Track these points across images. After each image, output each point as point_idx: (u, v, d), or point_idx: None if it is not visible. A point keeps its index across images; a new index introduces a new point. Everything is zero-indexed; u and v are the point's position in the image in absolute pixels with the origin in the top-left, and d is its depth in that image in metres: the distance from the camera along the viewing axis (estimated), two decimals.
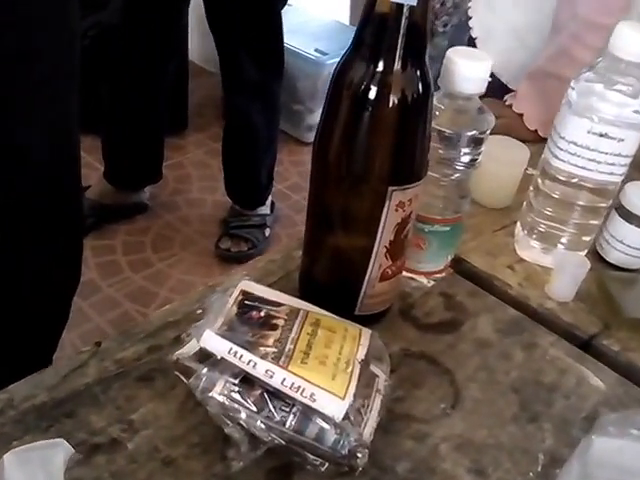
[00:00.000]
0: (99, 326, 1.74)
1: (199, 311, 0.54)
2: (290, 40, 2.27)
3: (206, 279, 1.92)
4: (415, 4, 0.47)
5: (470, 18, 1.06)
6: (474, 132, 0.58)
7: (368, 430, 0.50)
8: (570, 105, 0.64)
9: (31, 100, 0.89)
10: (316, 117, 2.49)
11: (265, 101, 1.93)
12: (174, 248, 2.02)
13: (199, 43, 2.62)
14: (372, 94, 0.50)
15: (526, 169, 0.79)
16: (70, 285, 1.11)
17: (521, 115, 0.93)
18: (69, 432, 0.52)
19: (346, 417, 0.48)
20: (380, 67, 0.50)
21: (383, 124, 0.52)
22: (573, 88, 0.64)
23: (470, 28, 1.06)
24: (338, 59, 0.52)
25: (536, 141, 0.88)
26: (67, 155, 1.00)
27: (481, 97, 0.96)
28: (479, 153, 0.60)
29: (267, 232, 2.08)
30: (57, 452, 0.45)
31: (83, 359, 0.58)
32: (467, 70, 0.56)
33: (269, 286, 0.57)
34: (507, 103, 0.96)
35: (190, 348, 0.53)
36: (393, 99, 0.50)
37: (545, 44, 0.93)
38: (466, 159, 0.59)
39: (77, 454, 0.51)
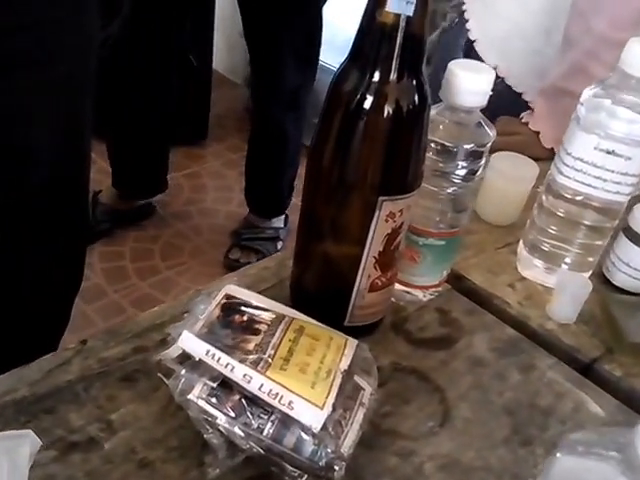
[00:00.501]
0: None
1: (185, 314, 0.53)
2: None
3: None
4: (412, 14, 0.46)
5: (466, 21, 1.05)
6: (472, 145, 0.56)
7: (348, 443, 0.48)
8: (578, 120, 0.62)
9: (43, 102, 0.88)
10: None
11: (298, 110, 1.92)
12: (183, 257, 2.02)
13: (225, 53, 2.64)
14: (364, 103, 0.49)
15: (537, 187, 0.78)
16: (71, 286, 1.10)
17: (537, 133, 0.92)
18: (47, 428, 0.51)
19: (324, 427, 0.46)
20: (374, 76, 0.49)
21: (374, 133, 0.51)
22: (582, 103, 0.63)
23: (467, 30, 1.04)
24: None
25: (551, 159, 0.87)
26: (77, 158, 0.99)
27: (498, 115, 0.95)
28: (478, 167, 0.58)
29: (279, 245, 2.06)
30: (23, 443, 0.44)
31: (67, 356, 0.57)
32: (468, 83, 0.55)
33: (260, 293, 0.56)
34: (523, 120, 0.95)
35: (174, 350, 0.51)
36: (386, 109, 0.49)
37: (557, 55, 0.91)
38: (464, 173, 0.58)
39: (53, 450, 0.50)
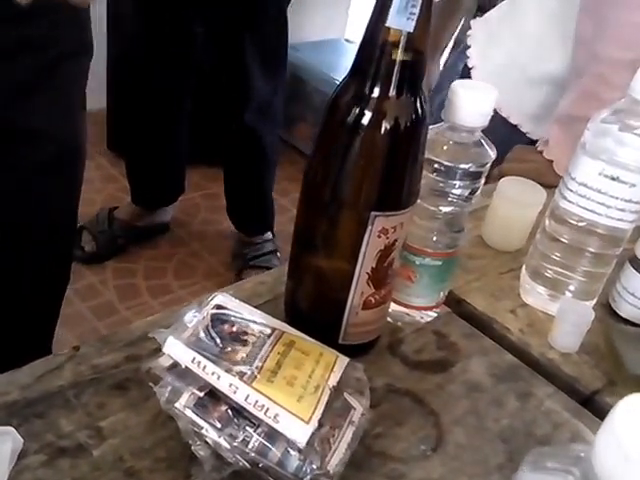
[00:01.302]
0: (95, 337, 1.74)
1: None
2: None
3: None
4: (412, 30, 0.46)
5: (468, 47, 1.05)
6: (471, 165, 0.56)
7: (335, 461, 0.48)
8: (584, 146, 0.62)
9: (39, 86, 0.89)
10: None
11: (273, 119, 1.94)
12: (196, 277, 2.02)
13: None
14: (359, 118, 0.49)
15: (544, 213, 0.77)
16: (61, 282, 1.11)
17: (551, 161, 0.91)
18: (37, 433, 0.51)
19: (310, 443, 0.46)
20: (373, 92, 0.49)
21: (369, 148, 0.51)
22: (589, 129, 0.62)
23: (467, 57, 1.04)
24: None
25: None
26: (72, 152, 1.00)
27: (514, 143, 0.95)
28: (477, 188, 0.58)
29: (279, 255, 2.08)
30: (5, 440, 0.44)
31: (59, 361, 0.57)
32: (470, 103, 0.55)
33: (256, 308, 0.56)
34: (539, 149, 0.95)
35: (165, 360, 0.51)
36: (381, 125, 0.49)
37: (556, 84, 0.92)
38: (462, 192, 0.57)
39: (42, 455, 0.50)
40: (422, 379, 0.60)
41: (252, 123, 1.89)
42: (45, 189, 0.96)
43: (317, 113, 2.47)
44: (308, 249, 0.57)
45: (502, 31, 1.02)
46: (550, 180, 0.86)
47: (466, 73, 1.05)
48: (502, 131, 1.00)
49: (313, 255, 0.56)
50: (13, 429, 0.46)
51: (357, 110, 0.49)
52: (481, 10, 1.41)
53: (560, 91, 0.95)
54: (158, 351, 0.53)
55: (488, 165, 0.57)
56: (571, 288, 0.67)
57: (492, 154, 0.57)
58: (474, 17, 1.43)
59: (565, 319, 0.64)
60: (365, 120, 0.49)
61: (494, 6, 1.38)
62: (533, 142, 1.02)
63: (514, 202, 0.74)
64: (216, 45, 1.84)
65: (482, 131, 0.57)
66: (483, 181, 0.58)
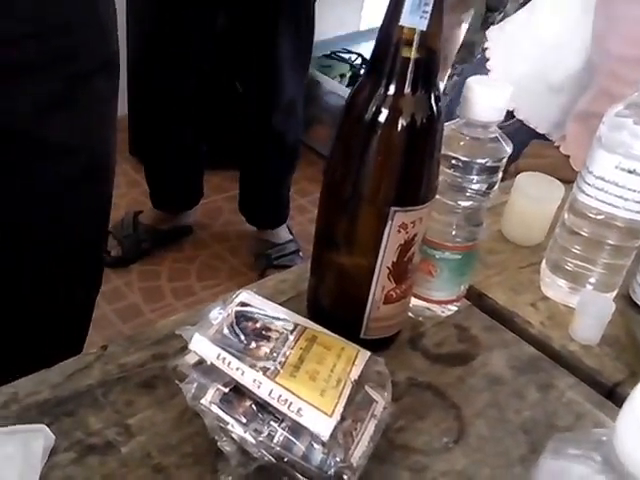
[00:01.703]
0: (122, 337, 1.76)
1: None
2: None
3: None
4: (425, 29, 0.47)
5: (487, 59, 1.05)
6: (488, 160, 0.57)
7: (358, 454, 0.49)
8: (600, 139, 0.62)
9: (70, 100, 0.90)
10: None
11: (297, 117, 1.96)
12: (219, 278, 2.04)
13: None
14: (379, 115, 0.50)
15: (563, 208, 0.77)
16: (92, 287, 1.13)
17: (568, 156, 0.92)
18: (67, 430, 0.53)
19: (334, 436, 0.47)
20: (389, 90, 0.50)
21: (387, 145, 0.51)
22: (604, 122, 0.63)
23: (487, 70, 1.04)
24: None
25: None
26: (103, 166, 1.02)
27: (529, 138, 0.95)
28: (494, 182, 0.58)
29: (302, 254, 2.10)
30: (37, 437, 0.45)
31: (88, 361, 0.59)
32: (485, 98, 0.56)
33: (280, 305, 0.57)
34: (556, 144, 0.95)
35: (191, 357, 0.52)
36: (400, 120, 0.50)
37: (578, 86, 0.92)
38: (480, 187, 0.58)
39: (72, 453, 0.51)
40: (443, 372, 0.61)
41: (278, 124, 1.91)
42: (76, 203, 0.97)
43: (333, 114, 2.48)
44: (329, 246, 0.58)
45: (521, 41, 1.02)
46: (567, 175, 0.86)
47: None
48: (524, 138, 1.00)
49: (334, 252, 0.57)
50: (45, 427, 0.47)
51: (374, 108, 0.50)
52: (490, 10, 1.41)
53: (580, 94, 0.95)
54: (184, 349, 0.55)
55: (504, 160, 0.58)
56: (591, 280, 0.67)
57: (508, 149, 0.58)
58: (484, 19, 1.43)
59: (586, 311, 0.65)
60: (382, 117, 0.50)
61: (504, 6, 1.38)
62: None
63: (532, 197, 0.75)
64: (244, 43, 1.85)
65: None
66: (500, 175, 0.59)
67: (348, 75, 2.65)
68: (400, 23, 0.47)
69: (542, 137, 1.04)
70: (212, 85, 2.01)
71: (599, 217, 0.64)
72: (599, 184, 0.62)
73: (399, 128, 0.51)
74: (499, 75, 1.05)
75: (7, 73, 0.82)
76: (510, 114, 1.02)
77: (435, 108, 0.51)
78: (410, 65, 0.49)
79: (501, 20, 1.36)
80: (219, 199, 2.34)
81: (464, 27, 1.45)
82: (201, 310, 0.64)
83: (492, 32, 1.10)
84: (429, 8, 0.47)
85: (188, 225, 2.16)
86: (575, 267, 0.68)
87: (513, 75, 1.04)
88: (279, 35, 1.77)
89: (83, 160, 0.95)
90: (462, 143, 0.57)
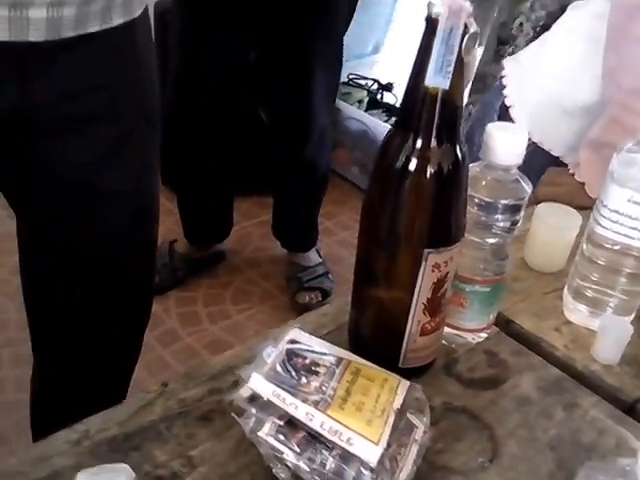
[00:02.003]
0: (178, 375, 1.81)
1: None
2: None
3: None
4: (448, 88, 0.52)
5: (503, 86, 1.10)
6: (510, 200, 0.62)
7: (403, 476, 0.54)
8: (612, 174, 0.67)
9: (118, 150, 0.97)
10: None
11: (327, 144, 2.03)
12: (252, 302, 2.11)
13: None
14: (409, 165, 0.56)
15: (581, 235, 0.82)
16: (142, 322, 1.19)
17: (583, 183, 0.96)
18: (136, 464, 0.57)
19: (381, 462, 0.52)
20: (417, 142, 0.55)
21: (419, 192, 0.57)
22: (616, 158, 0.68)
23: (503, 96, 1.09)
24: None
25: None
26: (149, 210, 1.09)
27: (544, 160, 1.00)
28: (518, 219, 0.64)
29: (331, 277, 2.16)
30: (120, 476, 0.51)
31: (151, 398, 0.65)
32: (504, 144, 0.61)
33: (321, 338, 0.63)
34: (570, 172, 0.99)
35: (245, 391, 0.58)
36: (428, 170, 0.56)
37: (590, 114, 0.96)
38: (504, 225, 0.63)
39: None
40: (476, 396, 0.66)
41: (310, 154, 1.97)
42: (125, 248, 1.04)
43: (354, 138, 2.56)
44: (369, 281, 0.63)
45: (536, 71, 1.07)
46: (583, 202, 0.91)
47: (503, 111, 1.10)
48: (541, 161, 1.05)
49: (374, 286, 0.63)
50: (127, 466, 0.52)
51: (404, 158, 0.56)
52: (502, 43, 1.47)
53: (592, 121, 1.00)
54: (237, 384, 0.60)
55: (526, 199, 0.63)
56: (610, 305, 0.72)
57: (528, 189, 0.63)
58: (496, 52, 1.48)
59: (606, 334, 0.70)
60: (411, 167, 0.56)
61: (515, 40, 1.43)
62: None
63: (552, 227, 0.80)
64: (276, 77, 1.91)
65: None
66: (523, 213, 0.64)
67: (366, 101, 2.74)
68: (425, 83, 0.53)
69: (556, 159, 1.08)
70: (236, 115, 2.07)
71: (615, 247, 0.69)
72: (614, 217, 0.67)
73: (428, 177, 0.56)
74: (515, 102, 1.10)
75: (75, 125, 0.90)
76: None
77: (460, 156, 0.57)
78: (435, 120, 0.55)
79: (512, 53, 1.41)
80: (249, 225, 2.40)
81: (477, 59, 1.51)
82: (248, 346, 0.70)
83: (508, 62, 1.15)
84: (451, 69, 0.52)
85: (221, 251, 2.23)
86: (595, 293, 0.72)
87: (528, 102, 1.09)
88: (311, 70, 1.82)
89: (133, 203, 1.02)
90: (485, 184, 0.63)
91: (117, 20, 0.86)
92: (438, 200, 0.57)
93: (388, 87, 2.81)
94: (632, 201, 0.66)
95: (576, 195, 0.94)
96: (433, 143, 0.55)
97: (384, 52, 2.95)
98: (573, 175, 0.98)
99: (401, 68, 3.07)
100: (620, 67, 0.89)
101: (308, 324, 0.72)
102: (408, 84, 0.55)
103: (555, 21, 1.32)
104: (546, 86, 1.07)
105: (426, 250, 0.58)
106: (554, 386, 0.68)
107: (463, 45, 0.52)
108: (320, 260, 2.18)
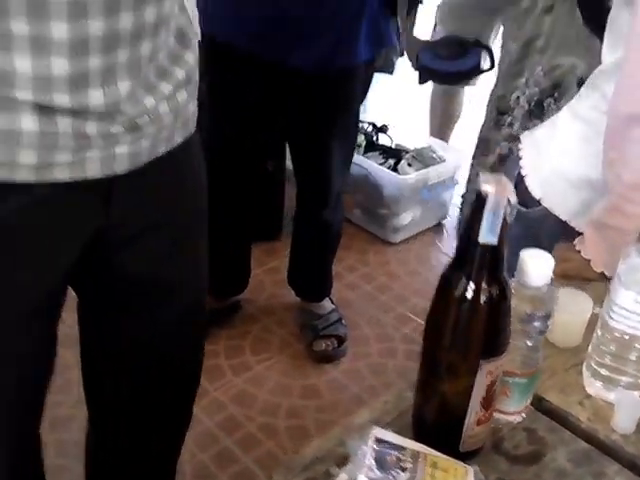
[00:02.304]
0: (210, 430, 1.94)
1: (343, 453, 0.74)
2: None
3: (302, 381, 2.13)
4: (496, 244, 0.67)
5: (519, 157, 1.25)
6: (542, 312, 0.78)
7: None
8: (620, 278, 0.82)
9: (179, 246, 1.11)
10: (400, 220, 2.75)
11: (340, 205, 2.18)
12: (271, 351, 2.23)
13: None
14: (466, 296, 0.71)
15: (594, 309, 0.97)
16: (194, 393, 1.32)
17: (589, 260, 1.11)
18: None
19: None
20: (472, 278, 0.70)
21: (474, 316, 0.72)
22: (623, 262, 0.82)
23: (520, 166, 1.24)
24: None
25: (603, 280, 1.06)
26: (202, 297, 1.23)
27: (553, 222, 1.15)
28: (548, 325, 0.79)
29: (344, 322, 2.30)
30: None
31: None
32: (536, 269, 0.77)
33: (387, 424, 0.77)
34: (577, 248, 1.14)
35: None
36: (481, 299, 0.71)
37: (594, 189, 1.10)
38: (538, 329, 0.78)
39: None
40: (522, 471, 0.80)
41: (328, 217, 2.13)
42: (179, 338, 1.17)
43: (355, 182, 2.67)
44: (434, 377, 0.77)
45: (547, 147, 1.22)
46: (591, 275, 1.06)
47: (520, 178, 1.25)
48: (551, 223, 1.19)
49: (438, 382, 0.77)
50: None
51: (462, 290, 0.71)
52: (501, 113, 1.63)
53: (596, 193, 1.14)
54: (328, 473, 0.74)
55: (554, 310, 0.78)
56: (623, 383, 0.87)
57: (555, 303, 0.78)
58: (497, 121, 1.64)
59: (621, 408, 0.84)
60: (468, 296, 0.71)
61: (513, 111, 1.59)
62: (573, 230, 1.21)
63: (569, 311, 0.94)
64: (299, 151, 2.07)
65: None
66: (552, 320, 0.79)
67: (363, 145, 2.86)
68: (479, 240, 0.68)
69: (564, 222, 1.23)
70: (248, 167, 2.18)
71: (625, 337, 0.84)
72: (623, 312, 0.82)
73: (480, 304, 0.71)
74: (529, 172, 1.24)
75: (144, 234, 1.03)
76: (538, 202, 1.21)
77: (505, 285, 0.71)
78: (485, 263, 0.69)
79: (511, 123, 1.57)
80: (260, 272, 2.53)
81: None
82: (329, 436, 0.83)
83: (525, 137, 1.29)
84: (498, 230, 0.67)
85: (237, 301, 2.36)
86: (609, 372, 0.87)
87: (540, 173, 1.23)
88: (330, 147, 1.97)
89: (191, 291, 1.16)
90: (522, 300, 0.77)
91: (178, 139, 1.00)
92: (489, 322, 0.72)
93: (383, 129, 2.98)
94: (637, 301, 0.81)
95: (583, 270, 1.09)
96: (484, 278, 0.70)
97: (377, 94, 3.12)
98: (579, 252, 1.13)
99: (393, 110, 3.26)
100: (620, 162, 1.02)
101: (374, 412, 0.86)
102: (463, 238, 0.70)
103: (548, 97, 1.50)
104: (555, 161, 1.22)
105: (481, 361, 0.72)
106: (583, 457, 0.82)
107: (507, 212, 0.67)
108: (333, 307, 2.32)
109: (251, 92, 1.83)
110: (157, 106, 0.89)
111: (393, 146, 2.93)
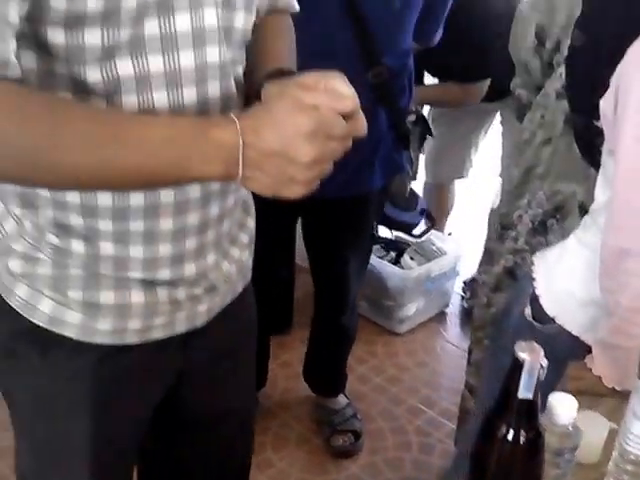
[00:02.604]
0: None
1: None
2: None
3: (322, 477, 2.21)
4: (532, 397, 0.81)
5: (534, 278, 1.37)
6: (570, 445, 0.90)
7: None
8: (635, 412, 0.95)
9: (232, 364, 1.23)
10: (405, 311, 2.88)
11: (355, 309, 2.31)
12: (290, 447, 2.31)
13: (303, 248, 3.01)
14: (503, 440, 0.85)
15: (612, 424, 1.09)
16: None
17: (599, 377, 1.24)
18: None
19: None
20: (512, 424, 0.83)
21: (515, 454, 0.85)
22: (635, 397, 0.95)
23: (534, 286, 1.35)
24: None
25: (615, 394, 1.18)
26: (251, 417, 1.35)
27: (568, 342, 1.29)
28: (574, 457, 0.92)
29: (359, 416, 2.39)
30: None
31: None
32: (564, 411, 0.90)
33: None
34: (588, 366, 1.27)
35: None
36: (519, 440, 0.84)
37: (602, 306, 1.22)
38: (567, 460, 0.91)
39: None
40: None
41: (344, 322, 2.26)
42: (233, 454, 1.29)
43: None
44: None
45: (558, 269, 1.35)
46: (603, 391, 1.18)
47: (534, 297, 1.37)
48: (564, 338, 1.32)
49: None
50: None
51: (504, 432, 0.84)
52: (504, 228, 1.74)
53: (602, 311, 1.27)
54: None
55: (580, 441, 0.91)
56: None
57: (582, 433, 0.91)
58: (500, 234, 1.77)
59: None
60: (508, 438, 0.84)
61: (516, 227, 1.72)
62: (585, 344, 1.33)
63: (589, 435, 1.06)
64: (316, 262, 2.21)
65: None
66: (576, 453, 0.92)
67: None
68: (518, 395, 0.81)
69: (575, 337, 1.35)
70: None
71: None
72: (637, 440, 0.95)
73: (520, 444, 0.84)
74: (542, 292, 1.37)
75: (208, 369, 1.15)
76: (552, 319, 1.34)
77: (540, 428, 0.84)
78: (523, 413, 0.82)
79: (515, 237, 1.71)
80: (273, 367, 2.61)
81: None
82: None
83: (537, 259, 1.41)
84: (533, 387, 0.80)
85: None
86: None
87: (552, 292, 1.36)
88: (348, 258, 2.11)
89: (240, 417, 1.27)
90: (552, 436, 0.90)
91: (239, 289, 1.14)
92: (528, 459, 0.85)
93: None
94: None
95: (595, 386, 1.21)
96: (524, 424, 0.83)
97: None
98: (591, 369, 1.25)
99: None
100: (617, 290, 1.14)
101: None
102: (503, 394, 0.84)
103: (551, 218, 1.64)
104: (565, 282, 1.35)
105: None
106: None
107: (540, 374, 0.80)
108: (347, 401, 2.42)
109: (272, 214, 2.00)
110: (230, 269, 1.04)
111: (393, 239, 3.08)
